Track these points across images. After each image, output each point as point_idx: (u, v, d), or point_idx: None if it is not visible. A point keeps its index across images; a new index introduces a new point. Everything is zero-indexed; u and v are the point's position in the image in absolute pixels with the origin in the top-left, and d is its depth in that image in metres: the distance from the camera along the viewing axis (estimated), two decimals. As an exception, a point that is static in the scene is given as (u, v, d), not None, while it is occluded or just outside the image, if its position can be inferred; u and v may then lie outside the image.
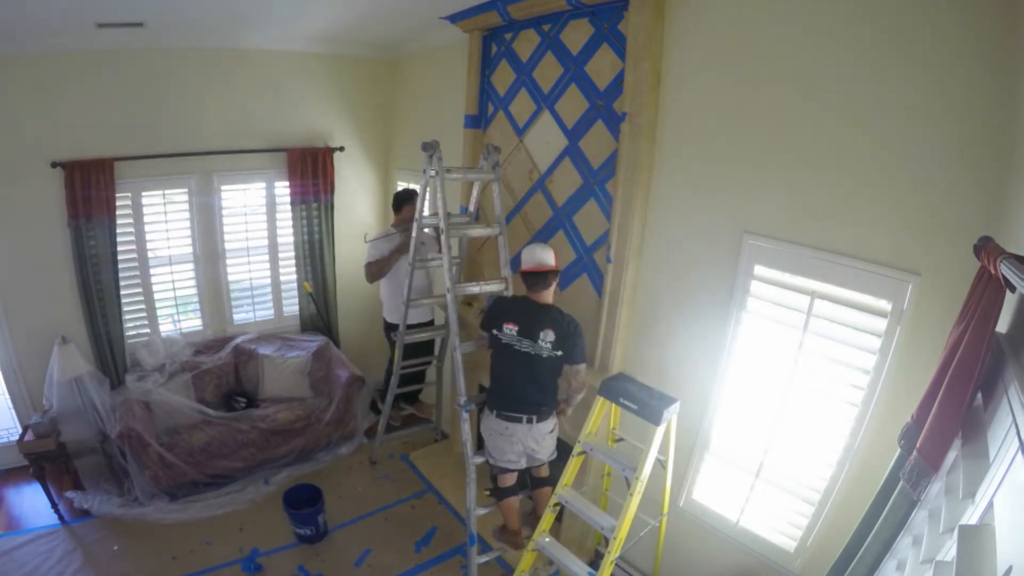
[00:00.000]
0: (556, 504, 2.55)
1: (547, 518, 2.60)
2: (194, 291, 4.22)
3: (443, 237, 2.84)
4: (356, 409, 4.20)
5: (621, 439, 2.73)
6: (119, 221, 3.68)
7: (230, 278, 4.33)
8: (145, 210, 3.84)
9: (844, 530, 1.73)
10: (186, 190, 3.99)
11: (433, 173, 2.85)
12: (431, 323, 4.05)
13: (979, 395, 1.24)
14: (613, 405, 2.47)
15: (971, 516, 1.00)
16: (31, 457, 3.27)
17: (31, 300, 3.59)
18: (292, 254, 4.48)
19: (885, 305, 1.89)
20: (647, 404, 2.31)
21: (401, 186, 4.72)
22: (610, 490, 2.97)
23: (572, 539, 3.18)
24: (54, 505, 3.32)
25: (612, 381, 2.48)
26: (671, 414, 2.33)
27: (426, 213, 3.29)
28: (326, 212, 4.48)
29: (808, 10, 1.97)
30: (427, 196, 3.29)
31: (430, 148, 2.85)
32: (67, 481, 3.50)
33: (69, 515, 3.35)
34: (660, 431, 2.28)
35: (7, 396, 3.70)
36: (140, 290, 3.95)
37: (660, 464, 2.45)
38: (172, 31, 3.53)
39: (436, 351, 4.10)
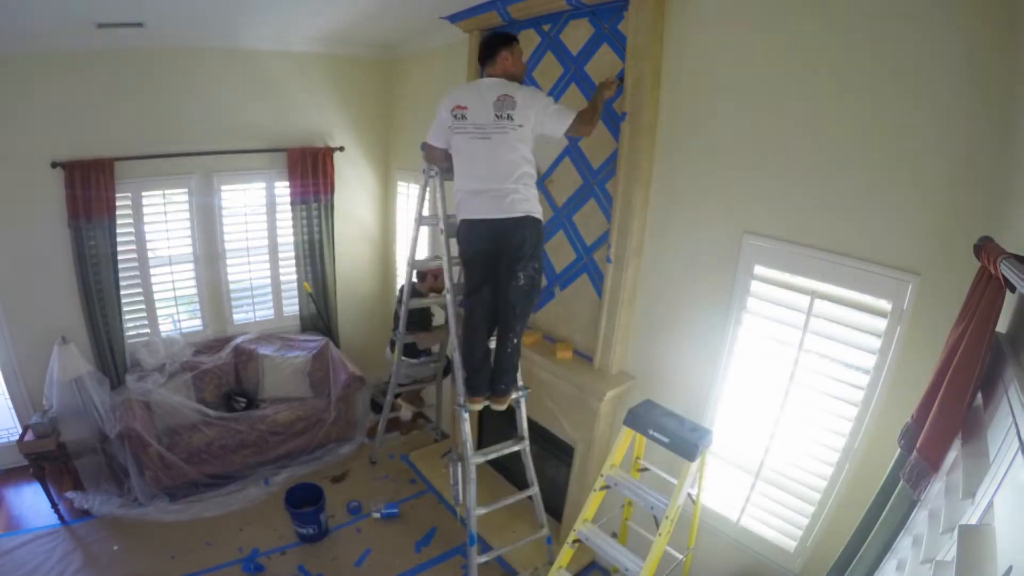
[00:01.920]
0: (575, 540, 2.39)
1: (566, 553, 2.43)
2: (194, 291, 4.22)
3: (443, 237, 2.84)
4: (356, 409, 4.20)
5: (645, 468, 2.53)
6: (119, 221, 3.68)
7: (230, 278, 4.33)
8: (145, 210, 3.84)
9: (844, 530, 1.73)
10: (186, 190, 3.99)
11: (432, 173, 2.85)
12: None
13: (979, 395, 1.24)
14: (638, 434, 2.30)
15: (971, 516, 1.00)
16: (31, 457, 3.26)
17: (31, 300, 3.58)
18: (292, 254, 4.48)
19: (885, 305, 1.89)
20: (680, 437, 2.12)
21: (402, 186, 4.71)
22: (631, 519, 2.73)
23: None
24: (54, 505, 3.32)
25: (639, 410, 2.30)
26: (705, 447, 2.14)
27: (425, 213, 3.29)
28: (326, 212, 4.48)
29: (807, 11, 1.97)
30: (427, 196, 3.28)
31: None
32: (67, 481, 3.50)
33: (69, 515, 3.35)
34: (694, 467, 2.10)
35: (7, 396, 3.70)
36: (140, 290, 3.95)
37: (690, 499, 2.30)
38: (172, 31, 3.53)
39: (435, 351, 4.10)
